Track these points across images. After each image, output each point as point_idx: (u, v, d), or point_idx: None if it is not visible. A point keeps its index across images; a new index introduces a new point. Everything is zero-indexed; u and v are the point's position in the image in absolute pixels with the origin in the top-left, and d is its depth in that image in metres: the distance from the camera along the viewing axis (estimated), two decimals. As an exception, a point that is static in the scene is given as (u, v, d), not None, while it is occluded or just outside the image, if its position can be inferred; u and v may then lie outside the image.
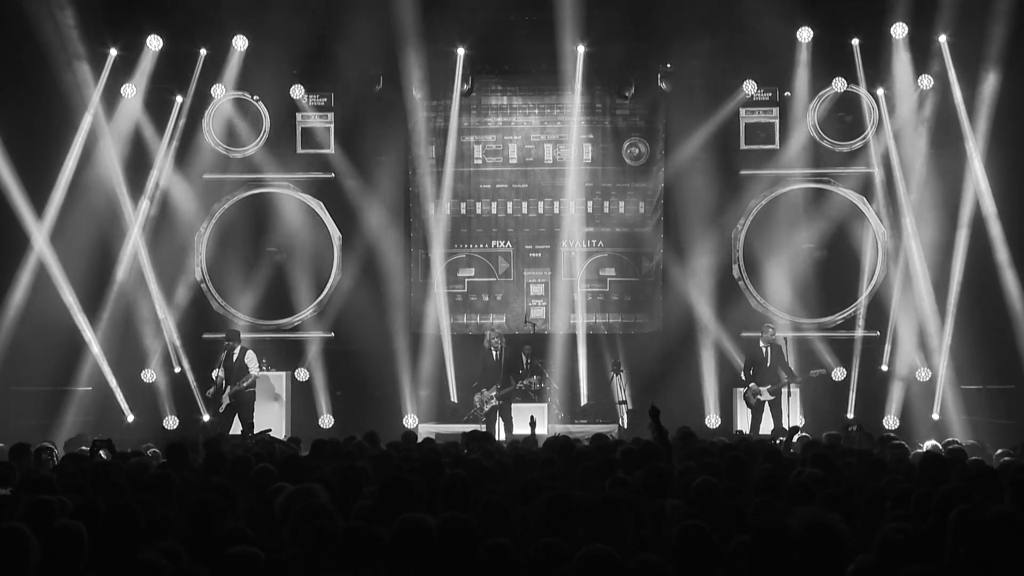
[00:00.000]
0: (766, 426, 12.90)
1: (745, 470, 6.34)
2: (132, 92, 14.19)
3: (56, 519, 4.61)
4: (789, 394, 13.05)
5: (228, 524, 4.90)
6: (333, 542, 4.37)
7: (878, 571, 4.09)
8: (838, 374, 13.66)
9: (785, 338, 13.89)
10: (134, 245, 14.20)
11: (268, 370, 14.13)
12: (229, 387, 12.87)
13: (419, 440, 9.08)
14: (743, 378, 13.36)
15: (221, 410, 13.00)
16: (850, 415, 13.53)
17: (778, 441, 9.96)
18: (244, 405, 12.92)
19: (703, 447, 7.60)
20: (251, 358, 13.08)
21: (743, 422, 13.43)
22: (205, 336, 14.49)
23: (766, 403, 13.01)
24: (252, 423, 12.76)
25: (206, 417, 13.13)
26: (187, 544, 4.59)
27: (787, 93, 14.46)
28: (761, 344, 13.22)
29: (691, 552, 4.12)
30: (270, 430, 10.36)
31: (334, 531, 4.43)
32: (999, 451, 8.56)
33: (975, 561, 4.09)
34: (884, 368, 14.05)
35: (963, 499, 4.67)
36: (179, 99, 14.40)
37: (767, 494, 5.34)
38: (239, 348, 13.06)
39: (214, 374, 13.11)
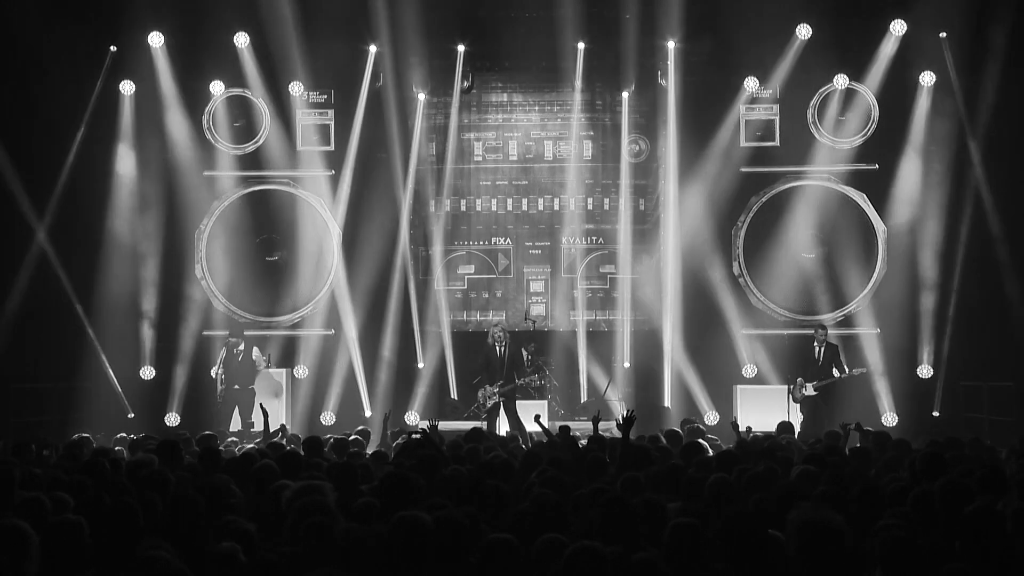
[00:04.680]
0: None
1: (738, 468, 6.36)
2: (131, 89, 14.19)
3: (49, 516, 4.62)
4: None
5: (227, 520, 4.90)
6: (333, 539, 4.38)
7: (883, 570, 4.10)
8: (860, 371, 13.63)
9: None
10: (135, 242, 14.21)
11: (270, 367, 14.15)
12: (223, 385, 12.93)
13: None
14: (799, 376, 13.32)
15: (220, 403, 13.05)
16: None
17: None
18: (245, 402, 12.94)
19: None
20: (257, 354, 13.15)
21: (745, 419, 13.38)
22: (205, 333, 14.50)
23: (811, 399, 12.98)
24: (252, 420, 12.77)
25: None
26: (173, 541, 4.60)
27: (789, 90, 14.43)
28: (814, 344, 13.23)
29: (683, 549, 4.15)
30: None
31: (334, 529, 4.43)
32: (1005, 451, 8.55)
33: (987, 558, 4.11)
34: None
35: (963, 496, 4.69)
36: (179, 96, 14.38)
37: (763, 492, 5.35)
38: (242, 345, 13.08)
39: (213, 371, 13.15)
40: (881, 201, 14.32)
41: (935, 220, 13.98)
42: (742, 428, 9.53)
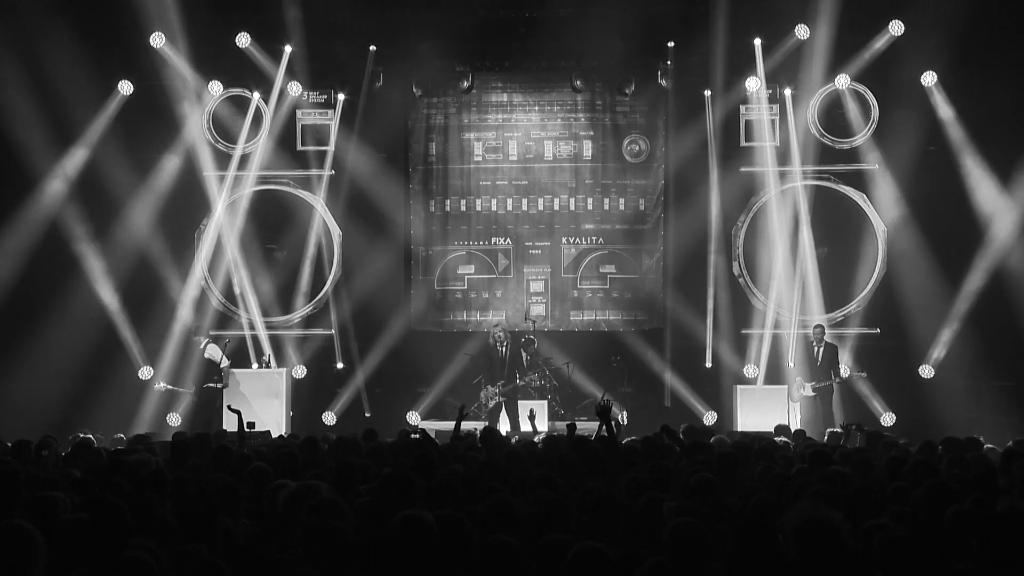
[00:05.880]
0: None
1: (738, 468, 6.37)
2: (129, 89, 14.19)
3: (60, 515, 4.63)
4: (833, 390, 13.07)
5: (224, 521, 4.90)
6: (339, 538, 4.37)
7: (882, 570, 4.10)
8: (844, 371, 13.66)
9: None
10: (134, 242, 14.21)
11: (269, 367, 14.16)
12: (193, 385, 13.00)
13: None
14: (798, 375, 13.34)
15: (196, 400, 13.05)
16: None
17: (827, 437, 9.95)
18: (202, 400, 12.87)
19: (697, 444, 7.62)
20: (212, 350, 13.04)
21: (745, 419, 13.39)
22: (205, 333, 14.50)
23: (810, 399, 13.00)
24: (212, 421, 12.57)
25: None
26: (183, 540, 4.59)
27: (787, 90, 14.44)
28: (813, 344, 13.23)
29: (684, 548, 4.15)
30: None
31: (342, 527, 4.43)
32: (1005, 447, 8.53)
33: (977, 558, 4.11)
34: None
35: (956, 497, 4.69)
36: (179, 96, 14.39)
37: (764, 491, 5.35)
38: (203, 342, 13.03)
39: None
40: (881, 201, 14.32)
41: (935, 217, 14.00)
42: (744, 427, 9.53)
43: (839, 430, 9.80)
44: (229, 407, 8.70)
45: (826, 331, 13.47)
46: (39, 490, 5.34)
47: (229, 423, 12.59)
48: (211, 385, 12.91)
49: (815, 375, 13.14)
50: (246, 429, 9.04)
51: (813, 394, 12.99)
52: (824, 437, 10.16)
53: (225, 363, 12.99)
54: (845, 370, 13.43)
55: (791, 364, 13.97)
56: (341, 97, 14.73)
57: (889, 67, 13.98)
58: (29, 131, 13.46)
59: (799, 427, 11.55)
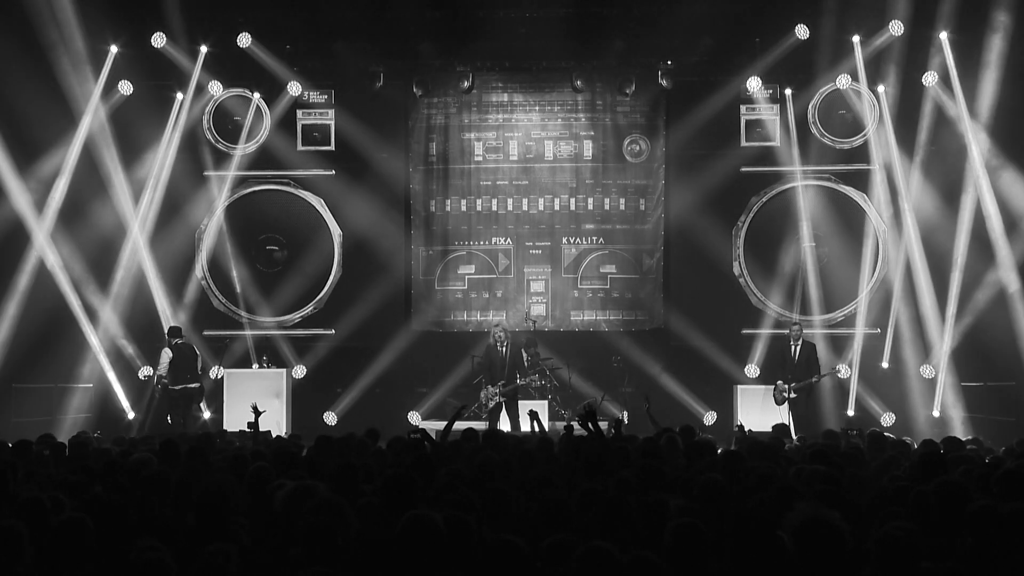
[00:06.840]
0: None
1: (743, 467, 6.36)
2: (128, 89, 14.17)
3: (51, 516, 4.62)
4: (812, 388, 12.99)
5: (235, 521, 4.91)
6: (341, 538, 4.36)
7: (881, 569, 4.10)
8: (842, 371, 13.65)
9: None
10: (135, 242, 14.20)
11: (269, 367, 14.19)
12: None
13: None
14: (779, 379, 13.17)
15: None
16: (850, 412, 13.55)
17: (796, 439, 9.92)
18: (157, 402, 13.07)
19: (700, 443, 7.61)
20: (163, 355, 13.04)
21: (745, 419, 13.33)
22: (206, 333, 14.52)
23: (795, 400, 12.90)
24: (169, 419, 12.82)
25: (206, 415, 13.18)
26: (192, 539, 4.60)
27: (787, 90, 14.45)
28: (791, 343, 13.13)
29: (685, 550, 4.14)
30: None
31: (343, 527, 4.42)
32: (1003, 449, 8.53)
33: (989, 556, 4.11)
34: (885, 365, 14.07)
35: (957, 496, 4.69)
36: (179, 96, 14.40)
37: (763, 492, 5.35)
38: (170, 342, 13.08)
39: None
40: (880, 200, 14.30)
41: (935, 218, 13.99)
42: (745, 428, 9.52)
43: (838, 430, 9.78)
44: (256, 412, 8.79)
45: (803, 328, 13.35)
46: (39, 490, 5.34)
47: (228, 423, 12.71)
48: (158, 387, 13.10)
49: (795, 374, 12.92)
50: (248, 428, 9.06)
51: (795, 395, 12.78)
52: (819, 438, 10.11)
53: (163, 367, 12.95)
54: (841, 369, 13.37)
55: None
56: (341, 97, 14.75)
57: (890, 67, 13.96)
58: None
59: (793, 430, 11.51)
